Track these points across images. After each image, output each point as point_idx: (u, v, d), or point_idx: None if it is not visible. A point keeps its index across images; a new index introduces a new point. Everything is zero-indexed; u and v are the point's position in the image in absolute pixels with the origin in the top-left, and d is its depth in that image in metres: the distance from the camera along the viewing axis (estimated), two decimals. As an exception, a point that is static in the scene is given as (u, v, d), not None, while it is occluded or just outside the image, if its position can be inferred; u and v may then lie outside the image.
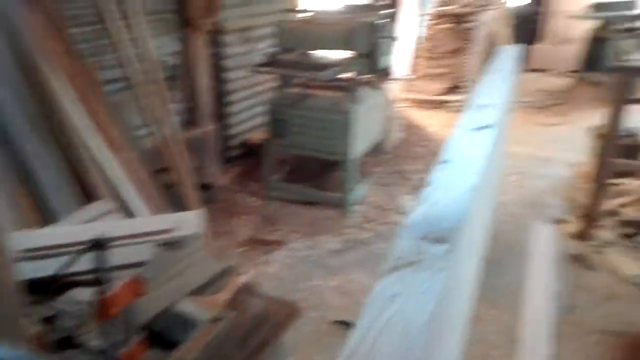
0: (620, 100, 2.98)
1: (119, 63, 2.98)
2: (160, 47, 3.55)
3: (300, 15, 3.71)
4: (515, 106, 5.86)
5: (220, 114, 4.24)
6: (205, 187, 3.86)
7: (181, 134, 3.66)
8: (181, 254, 1.41)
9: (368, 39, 3.20)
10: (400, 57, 6.71)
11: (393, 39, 3.35)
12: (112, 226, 1.41)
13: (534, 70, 7.24)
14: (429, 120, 5.38)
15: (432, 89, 5.78)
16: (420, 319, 0.48)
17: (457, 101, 5.57)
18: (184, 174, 3.07)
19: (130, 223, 1.46)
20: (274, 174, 3.82)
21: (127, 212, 2.28)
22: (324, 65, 3.20)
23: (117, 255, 1.21)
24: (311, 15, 3.58)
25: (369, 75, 3.59)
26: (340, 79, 3.46)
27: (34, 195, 1.92)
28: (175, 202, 3.36)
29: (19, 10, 2.15)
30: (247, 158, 4.39)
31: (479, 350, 2.44)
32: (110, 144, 2.34)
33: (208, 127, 4.07)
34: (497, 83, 1.00)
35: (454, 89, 5.81)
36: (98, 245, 1.04)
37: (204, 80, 3.96)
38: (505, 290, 2.84)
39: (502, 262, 3.11)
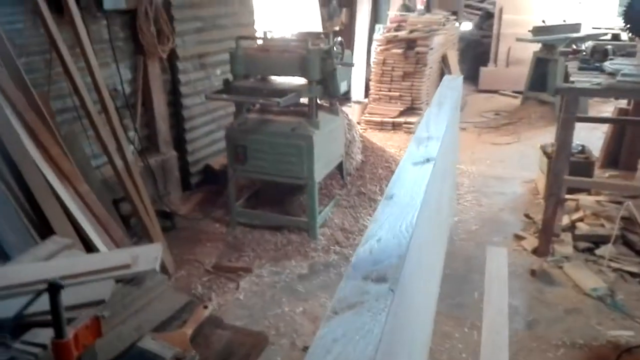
0: (567, 119, 3.11)
1: (70, 92, 2.90)
2: (114, 75, 3.49)
3: (254, 41, 3.72)
4: (467, 126, 6.07)
5: (180, 140, 4.18)
6: (167, 215, 3.78)
7: (138, 162, 3.60)
8: (141, 290, 1.36)
9: (323, 66, 3.23)
10: (356, 81, 6.86)
11: (349, 65, 3.40)
12: (69, 263, 1.34)
13: (484, 91, 7.50)
14: (388, 142, 5.46)
15: (388, 111, 5.89)
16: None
17: (413, 123, 5.69)
18: (143, 202, 2.99)
19: (87, 259, 1.39)
20: (237, 199, 3.77)
21: (85, 246, 2.19)
22: (281, 92, 3.21)
23: (74, 294, 1.15)
24: (265, 42, 3.60)
25: (326, 100, 3.62)
26: (298, 105, 3.47)
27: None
28: (136, 232, 3.28)
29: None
30: (210, 184, 4.33)
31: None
32: (64, 177, 2.26)
33: (167, 154, 4.01)
34: (439, 115, 1.02)
35: (409, 111, 5.93)
36: (53, 287, 0.98)
37: (161, 107, 3.91)
38: (472, 307, 2.87)
39: (466, 278, 3.15)
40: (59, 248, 1.49)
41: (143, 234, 3.10)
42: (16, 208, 1.95)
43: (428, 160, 0.81)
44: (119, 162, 2.87)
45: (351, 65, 3.42)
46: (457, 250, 3.50)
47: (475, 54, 7.89)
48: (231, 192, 3.66)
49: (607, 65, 3.38)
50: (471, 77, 7.64)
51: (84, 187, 2.39)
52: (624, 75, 3.10)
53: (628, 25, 3.42)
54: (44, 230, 2.06)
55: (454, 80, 1.26)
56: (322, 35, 3.60)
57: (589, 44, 4.04)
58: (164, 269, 3.07)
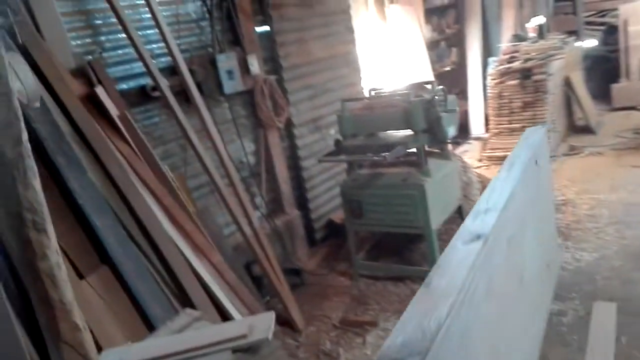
0: None
1: (202, 170, 3.29)
2: (239, 149, 3.88)
3: (359, 101, 3.89)
4: (603, 150, 5.58)
5: (303, 200, 4.45)
6: (294, 272, 4.01)
7: (265, 226, 3.90)
8: (257, 357, 1.51)
9: (427, 115, 3.28)
10: (474, 117, 6.73)
11: (452, 111, 3.41)
12: (194, 336, 1.54)
13: (619, 109, 6.86)
14: (512, 177, 5.22)
15: (511, 144, 5.65)
16: None
17: (539, 153, 5.39)
18: (271, 263, 3.23)
19: (209, 331, 1.59)
20: (358, 252, 3.89)
21: (219, 311, 2.45)
22: (388, 146, 3.31)
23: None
24: (370, 100, 3.75)
25: (434, 148, 3.64)
26: (409, 155, 3.53)
27: (134, 305, 2.13)
28: (266, 291, 3.53)
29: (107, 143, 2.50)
30: (333, 238, 4.51)
31: None
32: (198, 250, 2.56)
33: (292, 214, 4.29)
34: (506, 181, 1.00)
35: (534, 142, 5.64)
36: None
37: (282, 172, 4.22)
38: (618, 356, 2.61)
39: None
40: (189, 321, 1.72)
41: (273, 293, 3.34)
42: (159, 282, 2.26)
43: (479, 237, 0.82)
44: (246, 229, 3.16)
45: (454, 111, 3.43)
46: (599, 291, 3.21)
47: (604, 71, 7.29)
48: (351, 245, 3.78)
49: None
50: (602, 95, 7.06)
51: (217, 257, 2.68)
52: None
53: None
54: (185, 300, 2.35)
55: (534, 133, 1.23)
56: (427, 85, 3.67)
57: None
58: (294, 325, 3.26)
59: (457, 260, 0.78)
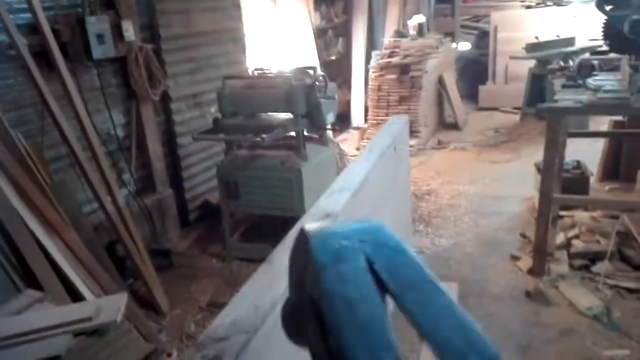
0: (551, 139, 3.12)
1: (62, 141, 3.01)
2: (107, 120, 3.61)
3: (241, 80, 3.82)
4: (466, 146, 6.06)
5: (177, 179, 4.27)
6: (163, 253, 3.84)
7: (133, 204, 3.69)
8: (105, 341, 1.40)
9: (308, 100, 3.30)
10: (355, 107, 6.94)
11: (332, 98, 3.46)
12: (33, 318, 1.40)
13: (484, 109, 7.51)
14: (386, 167, 5.48)
15: (387, 136, 5.92)
16: None
17: (412, 145, 5.71)
18: (136, 244, 3.06)
19: (51, 313, 1.45)
20: (233, 234, 3.83)
21: (70, 294, 2.25)
22: (267, 128, 3.29)
23: (30, 350, 1.20)
24: (252, 80, 3.69)
25: (313, 133, 3.69)
26: (288, 138, 3.54)
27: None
28: (130, 273, 3.34)
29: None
30: (208, 220, 4.39)
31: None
32: (49, 226, 2.34)
33: (164, 193, 4.10)
34: (363, 164, 1.02)
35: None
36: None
37: (155, 147, 4.01)
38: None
39: (461, 302, 3.12)
40: (29, 302, 1.55)
41: (137, 275, 3.17)
42: (0, 260, 2.02)
43: (328, 215, 0.82)
44: (109, 207, 2.95)
45: (333, 98, 3.49)
46: (453, 274, 3.49)
47: (474, 72, 7.93)
48: (226, 226, 3.71)
49: (590, 81, 3.38)
50: (471, 95, 7.67)
51: (71, 235, 2.46)
52: (605, 91, 3.10)
53: (607, 42, 3.42)
54: (31, 280, 2.13)
55: (396, 122, 1.28)
56: (309, 70, 3.68)
57: (577, 59, 4.03)
58: (158, 308, 3.12)
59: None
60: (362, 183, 0.96)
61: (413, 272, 0.26)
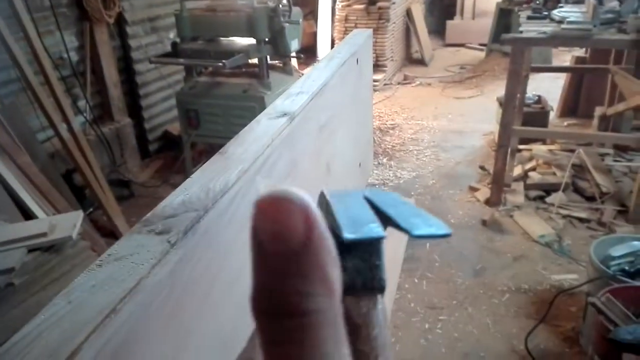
0: (513, 70, 3.13)
1: (11, 64, 2.83)
2: (59, 43, 3.40)
3: (201, 2, 3.64)
4: (432, 81, 6.06)
5: (136, 107, 4.13)
6: (123, 183, 3.77)
7: (88, 132, 3.56)
8: (62, 257, 1.38)
9: (271, 24, 3.18)
10: (322, 39, 6.76)
11: (296, 22, 3.35)
12: (-17, 235, 1.35)
13: (451, 45, 7.46)
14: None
15: (353, 69, 5.83)
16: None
17: (378, 80, 5.66)
18: (94, 172, 2.97)
19: (4, 229, 1.40)
20: (195, 165, 3.77)
21: (25, 218, 2.19)
22: (228, 53, 3.17)
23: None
24: (212, 2, 3.52)
25: (277, 61, 3.59)
26: (251, 66, 3.43)
27: None
28: (89, 202, 3.27)
29: None
30: (168, 151, 4.31)
31: (400, 318, 2.53)
32: (1, 149, 2.23)
33: (122, 122, 3.97)
34: (323, 71, 0.99)
35: (373, 68, 5.89)
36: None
37: (111, 74, 3.84)
38: (423, 259, 2.96)
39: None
40: (-21, 220, 1.50)
41: (97, 204, 3.11)
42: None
43: (285, 114, 0.80)
44: (65, 134, 2.84)
45: (298, 23, 3.37)
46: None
47: (442, 7, 7.81)
48: (187, 156, 3.65)
49: (555, 13, 3.38)
50: (439, 30, 7.58)
51: (23, 158, 2.37)
52: (569, 22, 3.10)
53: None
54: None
55: (359, 35, 1.23)
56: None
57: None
58: (118, 236, 3.09)
59: (258, 133, 0.75)
60: (321, 88, 0.94)
61: (397, 200, 0.34)
